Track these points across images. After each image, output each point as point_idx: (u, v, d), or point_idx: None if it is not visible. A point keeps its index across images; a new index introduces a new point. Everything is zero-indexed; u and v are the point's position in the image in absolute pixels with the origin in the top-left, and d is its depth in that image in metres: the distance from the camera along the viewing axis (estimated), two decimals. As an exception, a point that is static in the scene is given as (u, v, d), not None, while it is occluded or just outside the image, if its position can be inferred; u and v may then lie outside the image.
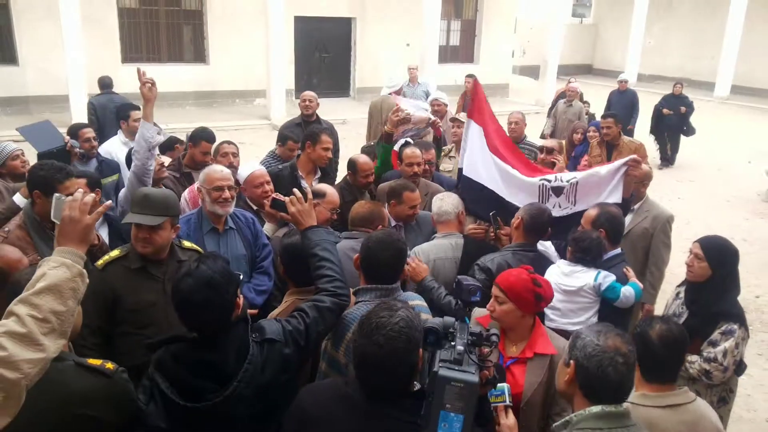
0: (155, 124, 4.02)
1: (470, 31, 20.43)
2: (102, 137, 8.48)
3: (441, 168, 6.21)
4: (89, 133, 5.21)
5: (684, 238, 8.38)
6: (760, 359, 5.56)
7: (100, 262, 2.90)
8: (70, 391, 1.93)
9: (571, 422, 1.90)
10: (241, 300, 2.22)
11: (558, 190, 3.99)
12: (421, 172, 4.63)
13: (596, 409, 1.87)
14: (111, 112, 7.81)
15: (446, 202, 3.79)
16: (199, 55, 16.51)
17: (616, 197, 3.89)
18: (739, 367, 3.22)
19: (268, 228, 3.98)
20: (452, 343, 1.83)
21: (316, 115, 6.79)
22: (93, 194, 2.02)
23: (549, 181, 4.00)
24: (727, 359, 3.08)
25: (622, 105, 11.40)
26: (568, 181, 3.98)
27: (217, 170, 3.69)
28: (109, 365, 2.08)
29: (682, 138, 12.63)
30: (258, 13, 15.07)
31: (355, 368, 1.95)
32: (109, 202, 2.19)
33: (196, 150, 4.97)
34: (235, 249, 3.57)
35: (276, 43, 14.64)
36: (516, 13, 21.17)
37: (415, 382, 2.01)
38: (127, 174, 4.44)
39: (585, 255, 3.31)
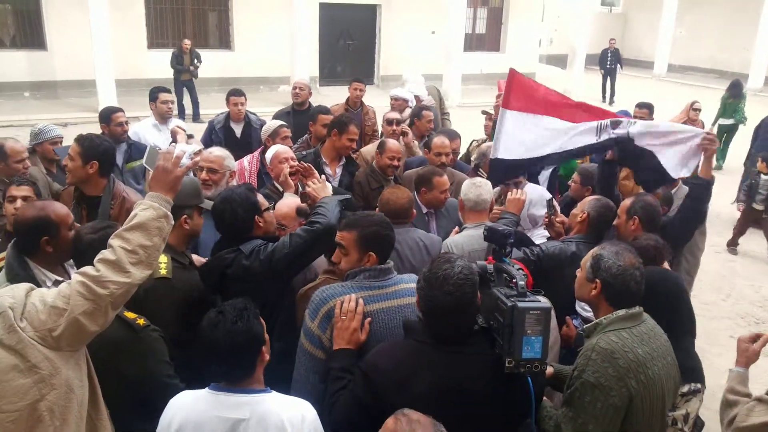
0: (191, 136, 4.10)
1: (497, 19, 20.19)
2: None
3: (471, 159, 6.16)
4: (122, 117, 5.21)
5: (715, 232, 8.28)
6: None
7: (163, 271, 2.73)
8: (104, 338, 2.14)
9: (601, 324, 2.33)
10: (262, 222, 2.90)
11: (615, 123, 4.00)
12: (448, 162, 4.67)
13: (621, 312, 2.31)
14: None
15: (485, 189, 3.60)
16: (224, 41, 16.57)
17: (685, 171, 3.88)
18: (696, 426, 2.80)
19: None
20: (514, 280, 2.13)
21: (309, 103, 6.63)
22: (184, 148, 2.33)
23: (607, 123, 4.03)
24: (688, 424, 2.73)
25: None
26: (627, 122, 4.02)
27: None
28: (141, 321, 2.34)
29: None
30: (283, -1, 15.06)
31: (428, 318, 2.13)
32: (198, 158, 2.49)
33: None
34: None
35: (300, 29, 14.61)
36: (544, 1, 20.85)
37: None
38: None
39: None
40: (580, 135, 4.06)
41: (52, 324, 1.85)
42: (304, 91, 6.67)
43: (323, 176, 3.74)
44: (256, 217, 2.90)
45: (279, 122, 4.95)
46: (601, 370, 2.18)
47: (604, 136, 4.01)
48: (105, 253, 1.99)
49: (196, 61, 13.27)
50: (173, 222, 2.15)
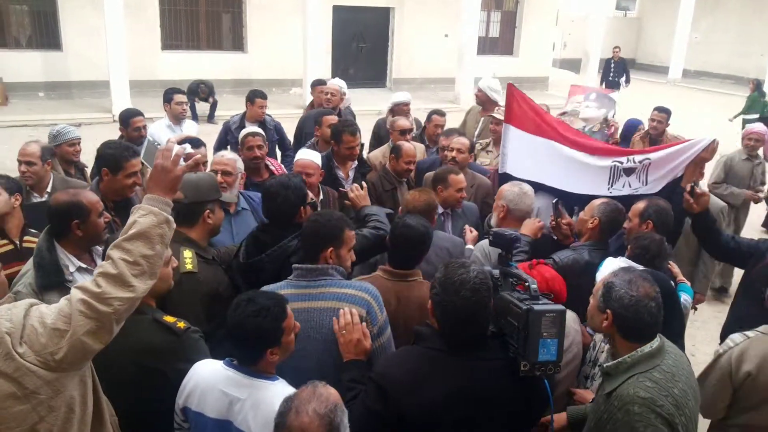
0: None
1: (510, 23, 20.13)
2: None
3: (478, 161, 6.12)
4: (141, 122, 5.22)
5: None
6: None
7: (189, 266, 2.81)
8: (142, 343, 2.15)
9: (625, 363, 2.17)
10: (303, 212, 3.01)
11: (629, 171, 3.98)
12: (459, 158, 4.62)
13: (648, 348, 2.17)
14: None
15: (533, 199, 3.70)
16: (237, 43, 16.64)
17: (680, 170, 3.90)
18: None
19: None
20: (526, 284, 2.15)
21: (340, 109, 6.57)
22: (183, 147, 2.19)
23: (621, 162, 3.99)
24: None
25: None
26: (640, 162, 3.96)
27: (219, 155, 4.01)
28: (181, 324, 2.34)
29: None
30: (296, 2, 15.09)
31: (443, 323, 2.11)
32: (199, 155, 2.52)
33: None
34: (248, 227, 3.59)
35: (313, 32, 14.63)
36: (558, 5, 20.77)
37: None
38: None
39: (643, 252, 3.09)
40: (592, 177, 4.00)
41: (54, 347, 1.74)
42: (336, 97, 6.57)
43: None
44: (301, 207, 3.05)
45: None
46: (653, 422, 2.05)
47: (617, 190, 3.96)
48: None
49: (211, 99, 13.24)
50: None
